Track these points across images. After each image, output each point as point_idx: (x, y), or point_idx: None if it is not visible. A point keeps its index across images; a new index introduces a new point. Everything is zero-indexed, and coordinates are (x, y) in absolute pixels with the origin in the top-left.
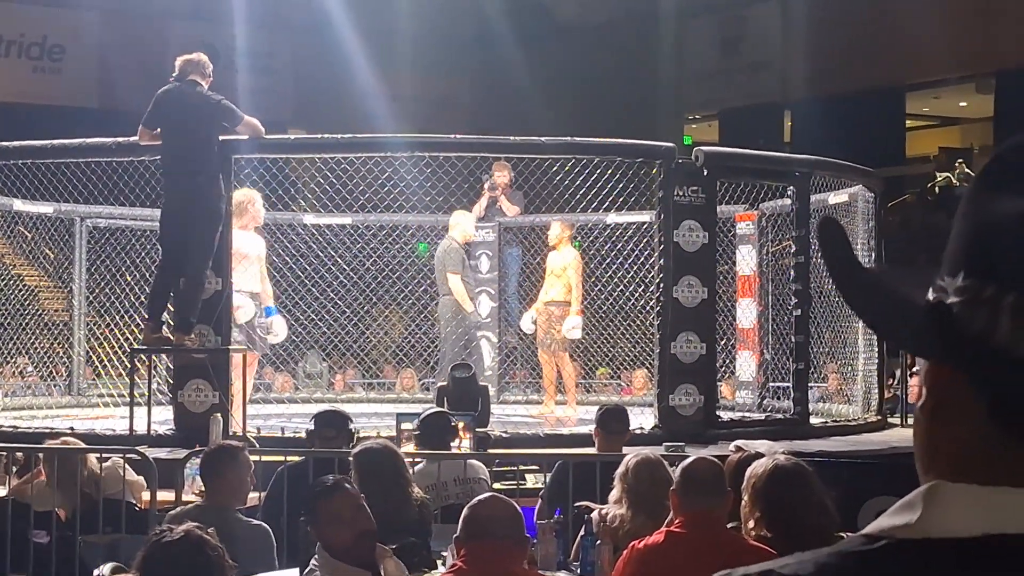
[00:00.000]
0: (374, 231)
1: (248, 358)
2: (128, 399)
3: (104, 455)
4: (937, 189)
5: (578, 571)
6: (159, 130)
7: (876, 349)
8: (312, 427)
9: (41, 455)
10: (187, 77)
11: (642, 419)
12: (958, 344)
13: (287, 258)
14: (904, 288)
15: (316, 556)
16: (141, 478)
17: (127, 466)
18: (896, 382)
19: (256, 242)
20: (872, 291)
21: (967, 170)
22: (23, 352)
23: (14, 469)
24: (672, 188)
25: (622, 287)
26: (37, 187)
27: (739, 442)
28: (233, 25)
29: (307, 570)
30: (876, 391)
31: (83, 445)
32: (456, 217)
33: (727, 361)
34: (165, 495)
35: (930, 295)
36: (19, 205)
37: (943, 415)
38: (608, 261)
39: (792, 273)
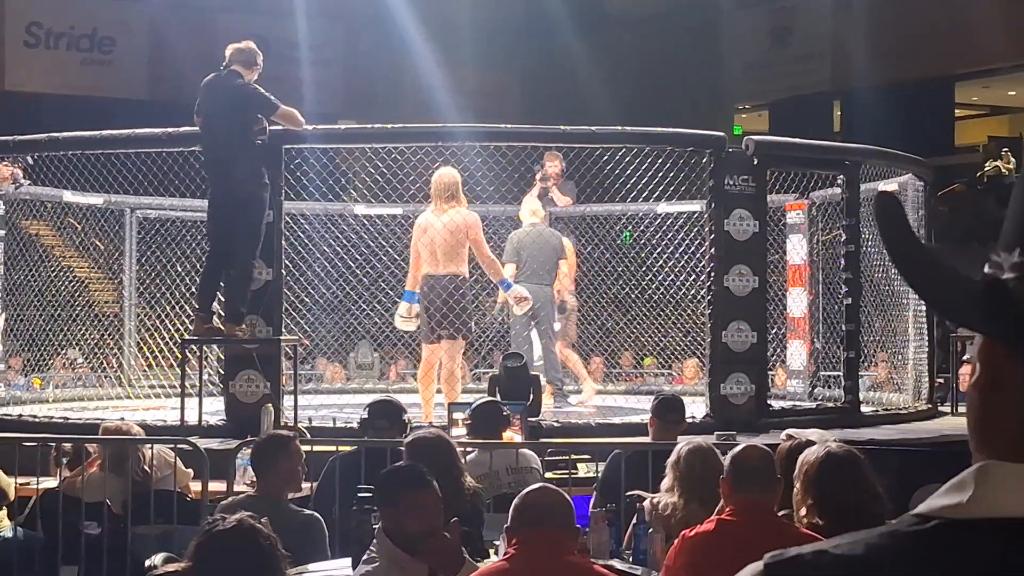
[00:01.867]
0: None
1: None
2: (179, 390)
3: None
4: (986, 178)
5: (630, 559)
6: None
7: (926, 337)
8: (366, 416)
9: (82, 446)
10: (231, 67)
11: (693, 408)
12: (1012, 320)
13: (338, 248)
14: (960, 264)
15: (376, 543)
16: (190, 470)
17: (175, 455)
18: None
19: None
20: (928, 266)
21: (1012, 159)
22: (73, 344)
23: (64, 461)
24: (722, 177)
25: (673, 276)
26: (87, 178)
27: (790, 431)
28: (288, 16)
29: (364, 557)
30: (927, 379)
31: (138, 429)
32: (534, 203)
33: (778, 350)
34: (217, 486)
35: (986, 270)
36: (69, 196)
37: (996, 392)
38: (659, 250)
39: (842, 262)
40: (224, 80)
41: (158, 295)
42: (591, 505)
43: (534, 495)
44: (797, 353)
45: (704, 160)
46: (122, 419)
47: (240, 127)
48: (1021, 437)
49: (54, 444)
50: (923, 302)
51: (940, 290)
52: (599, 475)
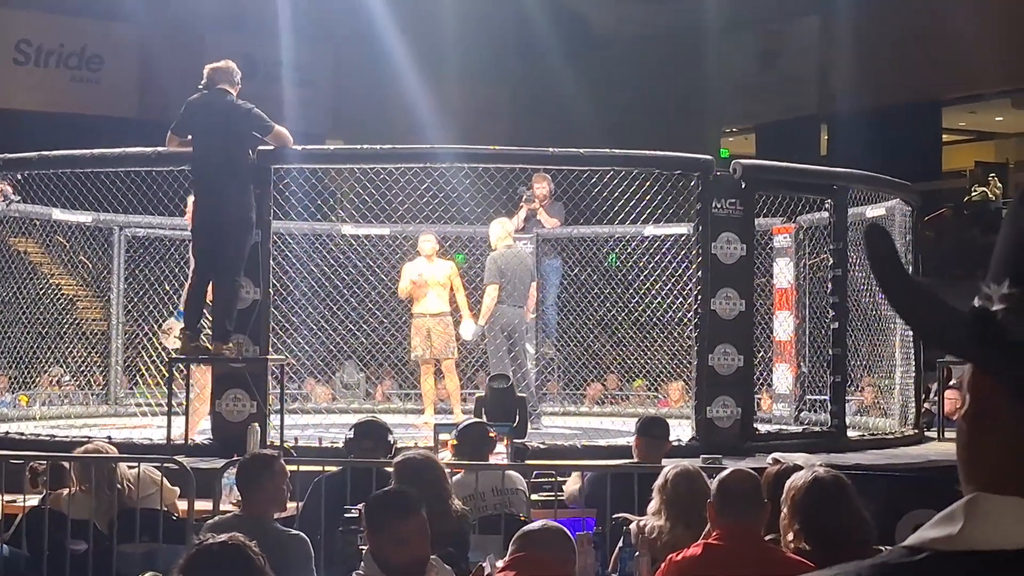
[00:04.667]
0: (412, 242)
1: None
2: (166, 408)
3: (138, 463)
4: (972, 204)
5: None
6: (189, 137)
7: (913, 362)
8: (351, 436)
9: (69, 464)
10: (216, 85)
11: (679, 431)
12: (1000, 351)
13: (325, 268)
14: (949, 294)
15: (363, 565)
16: (176, 488)
17: (160, 473)
18: (932, 395)
19: None
20: (917, 295)
21: (998, 184)
22: (60, 362)
23: (43, 479)
24: (710, 200)
25: (660, 299)
26: (76, 196)
27: (776, 455)
28: (275, 36)
29: None
30: (913, 404)
31: (116, 452)
32: (507, 225)
33: (764, 374)
34: (203, 504)
35: (976, 301)
36: (58, 214)
37: (985, 424)
38: (646, 273)
39: (829, 286)
40: (215, 99)
41: (145, 313)
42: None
43: (538, 528)
44: (783, 377)
45: (692, 183)
46: (108, 438)
47: (235, 146)
48: (1009, 469)
49: (29, 466)
50: (911, 331)
51: (929, 321)
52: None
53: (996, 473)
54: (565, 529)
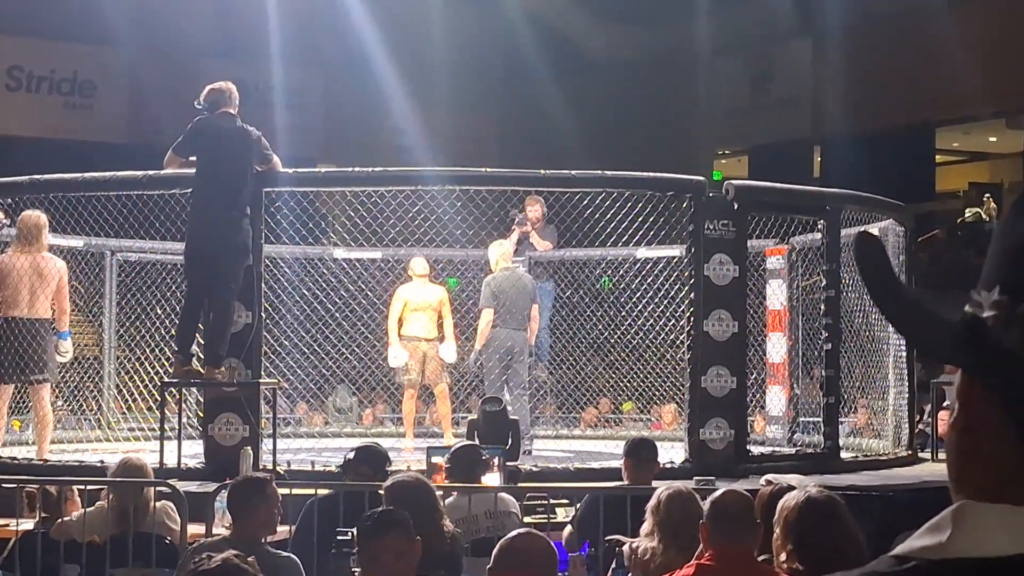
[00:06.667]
0: (404, 265)
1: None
2: (158, 432)
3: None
4: (966, 225)
5: None
6: (194, 159)
7: (907, 383)
8: (351, 457)
9: (58, 489)
10: (220, 108)
11: (672, 453)
12: (990, 359)
13: (317, 291)
14: (941, 303)
15: None
16: (177, 529)
17: (175, 513)
18: (926, 416)
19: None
20: (908, 302)
21: (994, 205)
22: (53, 386)
23: (38, 504)
24: (703, 222)
25: (652, 321)
26: (68, 221)
27: (769, 476)
28: (266, 62)
29: None
30: (906, 426)
31: (150, 470)
32: (503, 248)
33: (757, 395)
34: (195, 528)
35: (967, 308)
36: (50, 239)
37: (974, 433)
38: (638, 295)
39: (823, 307)
40: (225, 123)
41: (137, 338)
42: (564, 541)
43: (518, 539)
44: (777, 398)
45: (684, 205)
46: (101, 461)
47: (243, 171)
48: (997, 477)
49: (26, 492)
50: (904, 339)
51: (920, 327)
52: (576, 512)
53: (985, 481)
54: (545, 538)
